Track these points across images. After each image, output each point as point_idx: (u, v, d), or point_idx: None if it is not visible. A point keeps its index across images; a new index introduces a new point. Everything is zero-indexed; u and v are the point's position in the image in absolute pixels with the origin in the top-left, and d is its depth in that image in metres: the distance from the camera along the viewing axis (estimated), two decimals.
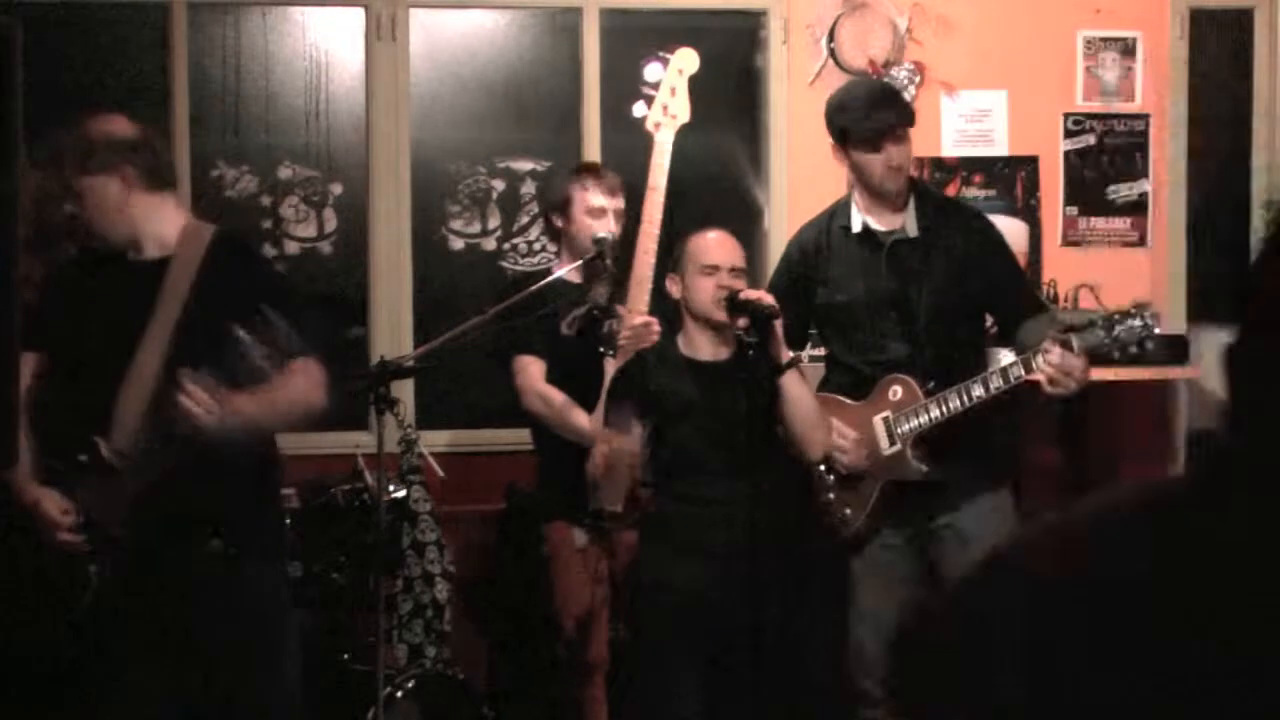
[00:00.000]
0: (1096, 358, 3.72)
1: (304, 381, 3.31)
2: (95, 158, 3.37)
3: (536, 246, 5.52)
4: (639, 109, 4.32)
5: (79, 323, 3.37)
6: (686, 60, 4.27)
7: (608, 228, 4.36)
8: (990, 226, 4.15)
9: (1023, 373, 3.77)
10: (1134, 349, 3.68)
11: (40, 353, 3.37)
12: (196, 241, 3.41)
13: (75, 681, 3.41)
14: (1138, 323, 3.67)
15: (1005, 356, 4.60)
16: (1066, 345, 3.68)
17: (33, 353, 3.33)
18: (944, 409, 3.87)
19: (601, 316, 4.13)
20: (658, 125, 4.25)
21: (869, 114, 4.00)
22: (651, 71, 4.33)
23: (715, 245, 3.83)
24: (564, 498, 4.30)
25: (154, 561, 3.31)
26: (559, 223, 4.50)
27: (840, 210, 4.14)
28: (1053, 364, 3.67)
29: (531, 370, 4.34)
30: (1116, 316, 3.70)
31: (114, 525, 3.28)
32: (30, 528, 3.30)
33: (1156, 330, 3.72)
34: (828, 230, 4.14)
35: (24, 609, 3.39)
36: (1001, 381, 3.80)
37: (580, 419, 4.21)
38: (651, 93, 4.27)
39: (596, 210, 4.39)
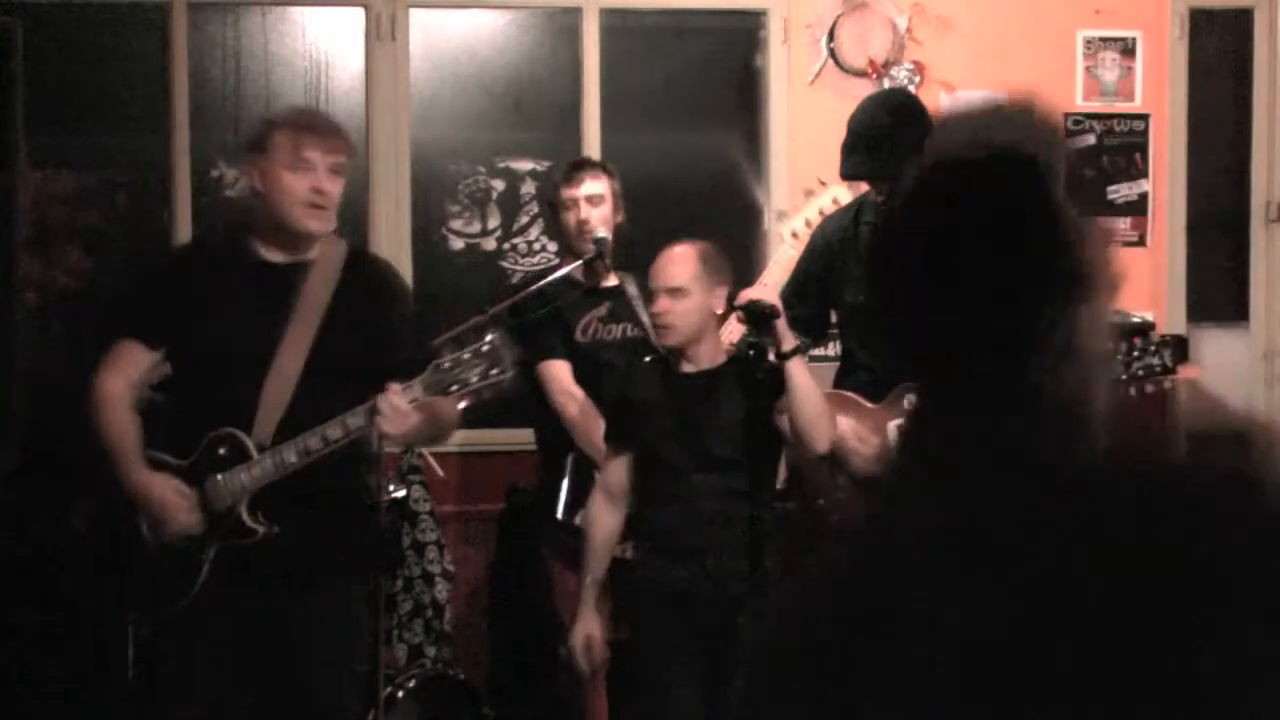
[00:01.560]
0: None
1: (454, 407, 3.44)
2: (347, 147, 3.45)
3: (536, 246, 5.52)
4: (780, 216, 4.37)
5: (209, 317, 3.38)
6: (841, 192, 4.32)
7: (578, 216, 4.35)
8: None
9: None
10: (1154, 376, 3.72)
11: (147, 342, 3.40)
12: (332, 254, 3.47)
13: (166, 655, 3.45)
14: (1155, 361, 3.71)
15: None
16: None
17: (135, 342, 3.39)
18: None
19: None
20: (795, 234, 4.29)
21: (843, 155, 4.02)
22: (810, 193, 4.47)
23: (659, 265, 3.81)
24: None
25: (269, 552, 3.36)
26: (558, 226, 4.52)
27: (867, 207, 4.13)
28: None
29: (559, 374, 4.33)
30: (1135, 354, 3.73)
31: (244, 513, 3.34)
32: (136, 512, 3.36)
33: (1170, 364, 3.75)
34: (854, 226, 4.14)
35: (126, 589, 3.46)
36: None
37: (598, 434, 4.23)
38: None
39: (568, 203, 4.39)
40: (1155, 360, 3.73)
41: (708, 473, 3.70)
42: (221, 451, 3.34)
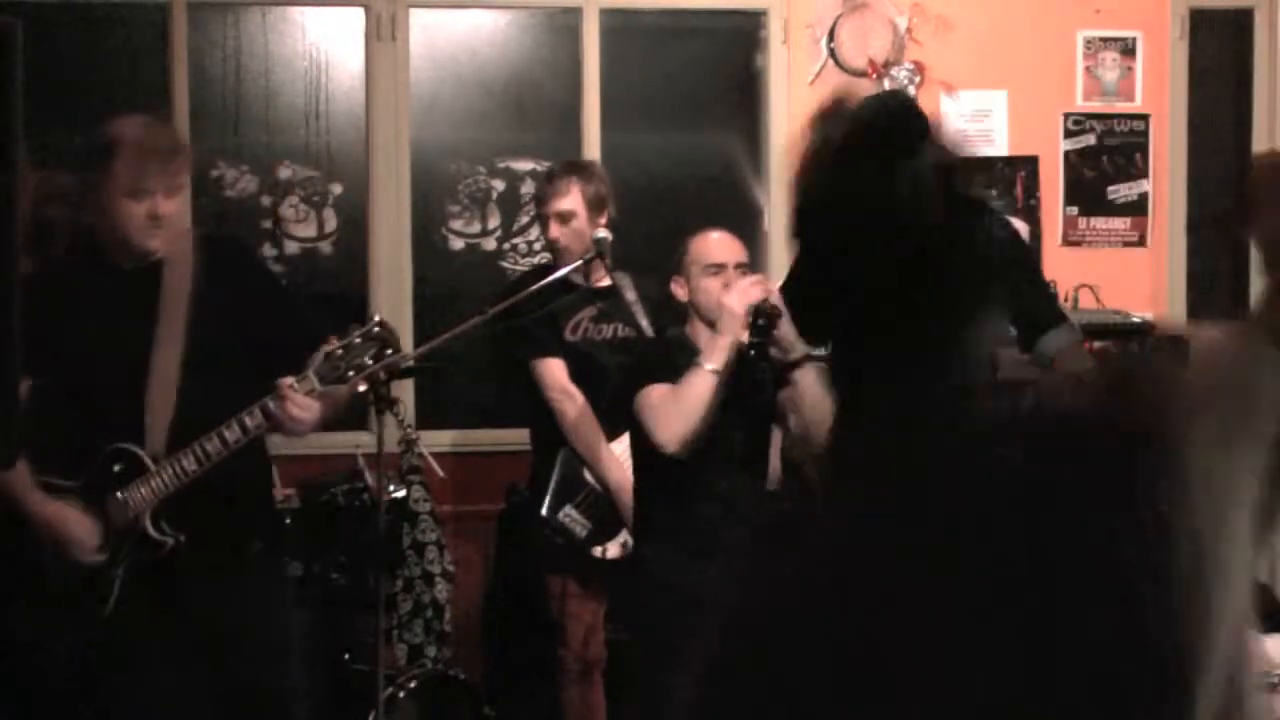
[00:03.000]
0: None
1: (346, 387, 3.38)
2: (187, 165, 3.40)
3: (536, 246, 5.52)
4: None
5: (73, 338, 3.31)
6: None
7: (549, 235, 4.40)
8: (1015, 235, 4.13)
9: None
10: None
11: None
12: (183, 244, 3.41)
13: (95, 679, 3.41)
14: None
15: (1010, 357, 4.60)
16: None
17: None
18: None
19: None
20: None
21: None
22: None
23: (718, 244, 3.84)
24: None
25: (181, 559, 3.33)
26: None
27: None
28: None
29: (555, 372, 4.35)
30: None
31: (148, 527, 3.30)
32: (45, 543, 3.29)
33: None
34: None
35: (46, 620, 3.38)
36: None
37: (593, 435, 4.24)
38: None
39: (542, 218, 4.48)
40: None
41: (726, 470, 3.71)
42: (116, 468, 3.29)
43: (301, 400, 3.18)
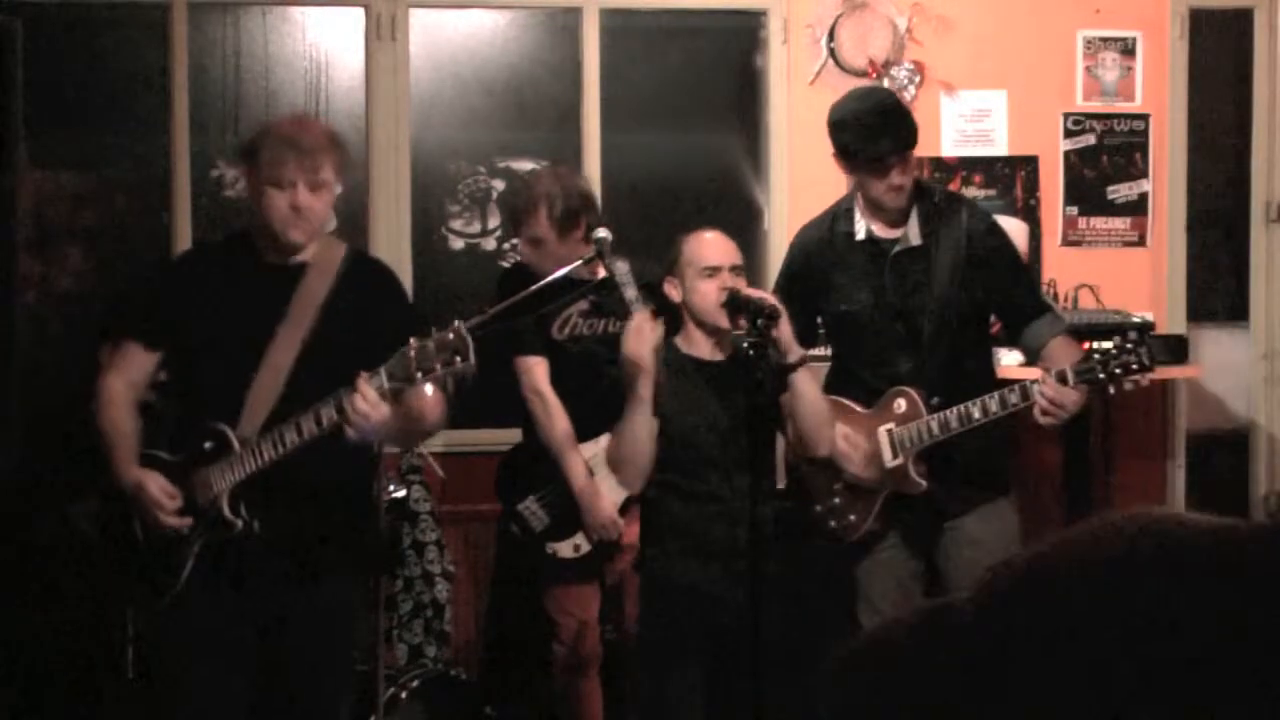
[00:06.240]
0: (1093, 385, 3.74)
1: (433, 405, 3.42)
2: (332, 162, 3.43)
3: None
4: None
5: (205, 316, 3.41)
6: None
7: (524, 255, 4.39)
8: (993, 227, 4.10)
9: (1019, 400, 3.78)
10: (1132, 374, 3.70)
11: (147, 343, 3.46)
12: (331, 255, 3.49)
13: (153, 657, 3.46)
14: (1132, 360, 3.68)
15: (1009, 356, 4.60)
16: (1062, 378, 3.71)
17: (136, 343, 3.46)
18: (943, 428, 3.86)
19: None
20: None
21: (870, 140, 3.89)
22: None
23: (712, 246, 3.80)
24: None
25: (258, 552, 3.36)
26: None
27: (843, 215, 4.09)
28: (1048, 396, 3.71)
29: (534, 370, 4.36)
30: (1113, 351, 3.71)
31: (224, 507, 3.34)
32: (130, 508, 3.39)
33: (1147, 361, 3.71)
34: (831, 234, 4.10)
35: (122, 584, 3.55)
36: (999, 407, 3.81)
37: (564, 444, 4.26)
38: None
39: (519, 239, 4.48)
40: (1133, 358, 3.71)
41: (731, 470, 3.70)
42: (207, 446, 3.35)
43: (370, 395, 3.18)
